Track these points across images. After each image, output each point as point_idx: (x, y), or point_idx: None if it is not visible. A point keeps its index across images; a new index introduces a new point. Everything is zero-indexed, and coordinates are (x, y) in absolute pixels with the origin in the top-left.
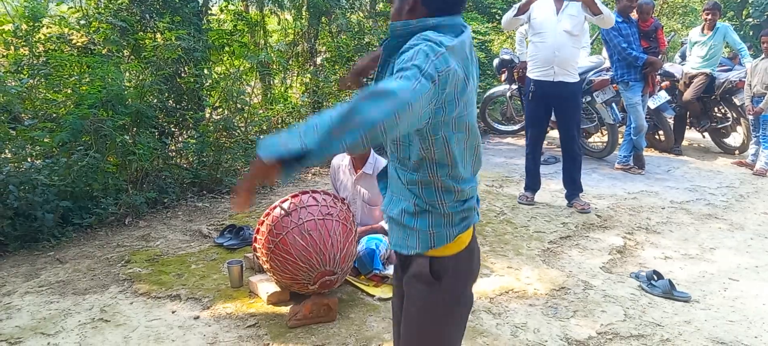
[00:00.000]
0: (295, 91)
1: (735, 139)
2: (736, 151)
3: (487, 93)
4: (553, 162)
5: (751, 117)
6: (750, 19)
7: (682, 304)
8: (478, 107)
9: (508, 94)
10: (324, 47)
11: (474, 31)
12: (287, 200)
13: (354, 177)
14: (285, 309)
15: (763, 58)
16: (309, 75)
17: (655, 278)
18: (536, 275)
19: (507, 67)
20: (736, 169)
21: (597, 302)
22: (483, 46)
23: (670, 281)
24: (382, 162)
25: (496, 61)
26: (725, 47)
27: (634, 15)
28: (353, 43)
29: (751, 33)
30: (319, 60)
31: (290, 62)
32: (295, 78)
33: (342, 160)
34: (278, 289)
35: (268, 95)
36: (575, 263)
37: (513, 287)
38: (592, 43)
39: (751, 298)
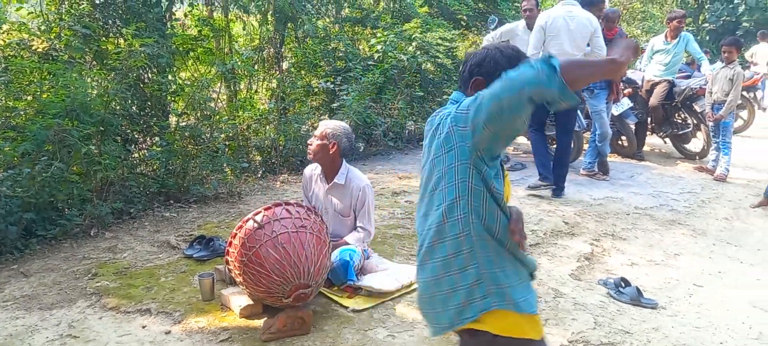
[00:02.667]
0: (261, 97)
1: (695, 144)
2: (697, 157)
3: None
4: (519, 168)
5: (711, 123)
6: (707, 25)
7: (650, 311)
8: None
9: None
10: (290, 53)
11: (440, 38)
12: (260, 212)
13: (326, 187)
14: (258, 322)
15: (723, 67)
16: (275, 81)
17: (623, 285)
18: None
19: None
20: (697, 175)
21: (567, 310)
22: (449, 53)
23: (637, 288)
24: (355, 173)
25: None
26: (685, 54)
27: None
28: (320, 48)
29: (707, 38)
30: (285, 66)
31: (256, 68)
32: (261, 83)
33: (314, 170)
34: (251, 302)
35: (234, 101)
36: (545, 270)
37: None
38: None
39: (715, 304)
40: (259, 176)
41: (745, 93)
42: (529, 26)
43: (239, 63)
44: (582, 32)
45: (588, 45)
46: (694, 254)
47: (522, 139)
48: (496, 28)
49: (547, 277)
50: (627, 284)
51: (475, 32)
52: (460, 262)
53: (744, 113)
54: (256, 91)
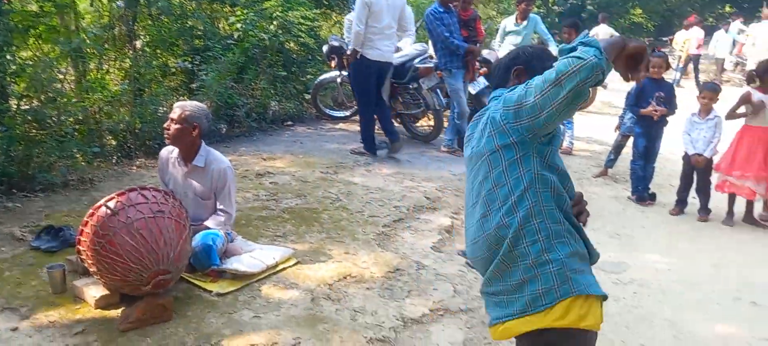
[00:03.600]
0: (113, 78)
1: None
2: None
3: (318, 79)
4: (383, 147)
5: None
6: (556, 7)
7: None
8: (308, 93)
9: (339, 80)
10: (144, 31)
11: (302, 17)
12: (113, 198)
13: (185, 170)
14: (115, 313)
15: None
16: (128, 60)
17: None
18: (372, 259)
19: (337, 53)
20: None
21: (429, 280)
22: (312, 32)
23: None
24: (214, 154)
25: (325, 48)
26: (533, 35)
27: (454, 5)
28: (176, 26)
29: (557, 20)
30: (139, 44)
31: (106, 46)
32: (112, 63)
33: (171, 153)
34: (107, 292)
35: (83, 82)
36: (408, 244)
37: (351, 272)
38: (416, 32)
39: None
40: (114, 161)
41: None
42: None
43: (87, 41)
44: (396, 5)
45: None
46: None
47: None
48: None
49: (411, 250)
50: None
51: (338, 11)
52: (536, 249)
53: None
54: (107, 72)
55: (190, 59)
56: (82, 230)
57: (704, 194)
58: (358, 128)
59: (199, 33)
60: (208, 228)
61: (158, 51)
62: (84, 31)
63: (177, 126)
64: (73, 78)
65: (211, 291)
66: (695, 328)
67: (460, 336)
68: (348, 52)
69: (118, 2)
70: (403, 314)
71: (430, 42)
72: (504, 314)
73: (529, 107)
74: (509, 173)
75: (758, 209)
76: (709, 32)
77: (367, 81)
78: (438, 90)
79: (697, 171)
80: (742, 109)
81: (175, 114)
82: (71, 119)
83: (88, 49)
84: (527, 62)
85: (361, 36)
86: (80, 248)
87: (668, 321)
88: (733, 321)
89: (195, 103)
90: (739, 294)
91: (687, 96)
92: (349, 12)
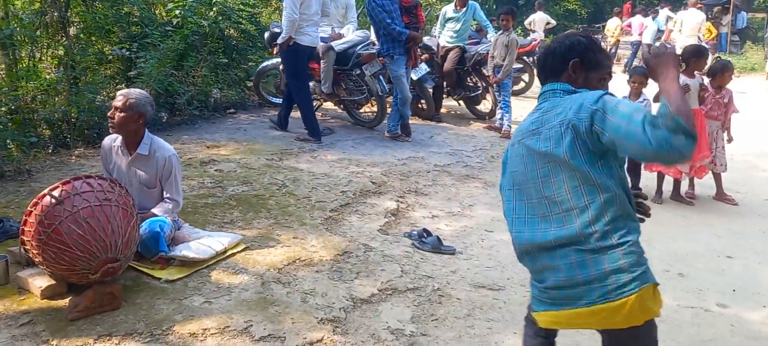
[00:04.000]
0: (47, 66)
1: (486, 106)
2: (487, 117)
3: (260, 66)
4: (328, 133)
5: (495, 86)
6: None
7: (449, 256)
8: (250, 81)
9: (281, 67)
10: (78, 17)
11: (243, 3)
12: (58, 187)
13: (129, 159)
14: (63, 302)
15: (501, 33)
16: (62, 48)
17: (425, 235)
18: (321, 243)
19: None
20: (487, 133)
21: (377, 262)
22: (253, 19)
23: (438, 237)
24: (159, 142)
25: (267, 35)
26: (473, 21)
27: None
28: (111, 12)
29: (494, 6)
30: (73, 31)
31: (39, 33)
32: (45, 51)
33: (114, 142)
34: (53, 282)
35: (15, 71)
36: (355, 228)
37: (300, 256)
38: (358, 18)
39: (503, 246)
40: (50, 151)
41: (525, 57)
42: None
43: (18, 28)
44: None
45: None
46: (485, 204)
47: (329, 105)
48: None
49: (358, 233)
50: (429, 234)
51: None
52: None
53: (526, 76)
54: (39, 60)
55: (127, 46)
56: (26, 220)
57: (635, 174)
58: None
59: (136, 19)
60: (156, 215)
61: (93, 38)
62: (15, 18)
63: (122, 114)
64: (3, 66)
65: (159, 278)
66: None
67: (408, 313)
68: (279, 41)
69: None
70: (352, 294)
71: (371, 29)
72: (582, 299)
73: (611, 133)
74: (593, 176)
75: (685, 187)
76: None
77: (301, 67)
78: (381, 76)
79: None
80: None
81: (119, 102)
82: (4, 109)
83: (17, 37)
84: (583, 54)
85: (296, 23)
86: (24, 238)
87: None
88: (663, 291)
89: (139, 90)
90: (667, 266)
91: (619, 81)
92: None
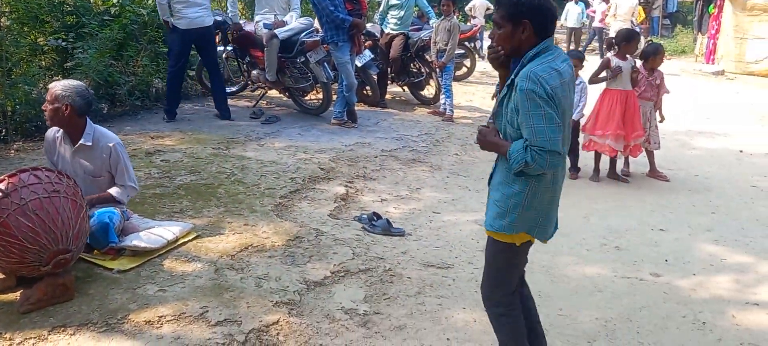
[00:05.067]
0: None
1: (429, 91)
2: (431, 102)
3: None
4: (274, 121)
5: (438, 71)
6: None
7: (399, 238)
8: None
9: (224, 55)
10: (8, 7)
11: None
12: (3, 180)
13: (72, 149)
14: (13, 296)
15: (443, 19)
16: None
17: (375, 218)
18: (272, 229)
19: (221, 28)
20: (431, 118)
21: (328, 245)
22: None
23: (387, 220)
24: (101, 131)
25: None
26: (415, 8)
27: None
28: (44, 1)
29: None
30: (4, 21)
31: None
32: None
33: (56, 133)
34: (2, 276)
35: None
36: (306, 213)
37: (252, 242)
38: (300, 5)
39: (450, 226)
40: None
41: (467, 43)
42: None
43: None
44: None
45: None
46: (432, 187)
47: (274, 93)
48: None
49: (309, 219)
50: (378, 217)
51: None
52: None
53: (467, 62)
54: None
55: (64, 36)
56: None
57: (573, 153)
58: (247, 104)
59: (71, 9)
60: (112, 197)
61: (26, 29)
62: None
63: (50, 107)
64: None
65: (111, 269)
66: (567, 271)
67: (361, 293)
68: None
69: None
70: (306, 277)
71: (315, 16)
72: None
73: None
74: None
75: (620, 165)
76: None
77: (180, 50)
78: (325, 63)
79: None
80: (603, 74)
81: (48, 96)
82: None
83: None
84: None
85: (165, 7)
86: None
87: (545, 267)
88: (600, 263)
89: (66, 81)
90: (604, 240)
91: None
92: None
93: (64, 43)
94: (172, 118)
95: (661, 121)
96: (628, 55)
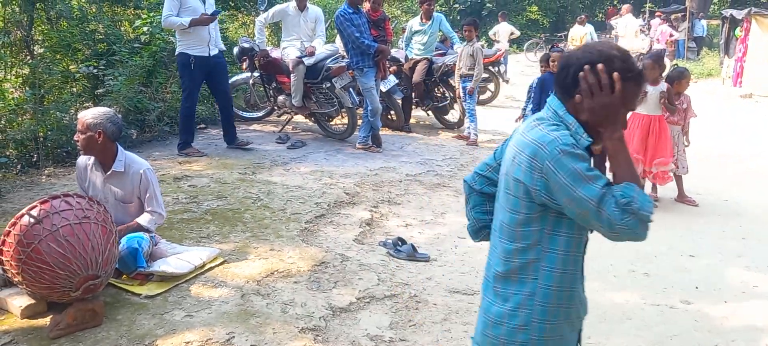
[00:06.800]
0: (12, 86)
1: (453, 115)
2: (455, 126)
3: (230, 81)
4: (300, 146)
5: (462, 95)
6: (457, 6)
7: (424, 264)
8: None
9: (251, 81)
10: (42, 36)
11: None
12: (36, 206)
13: (104, 176)
14: (44, 321)
15: (466, 44)
16: (27, 67)
17: (400, 243)
18: (298, 254)
19: (247, 55)
20: (456, 142)
21: (354, 271)
22: (220, 34)
23: (412, 245)
24: (132, 158)
25: (236, 50)
26: (439, 33)
27: (364, 7)
28: (77, 30)
29: (458, 17)
30: (37, 50)
31: (5, 53)
32: (9, 70)
33: (88, 160)
34: (33, 301)
35: None
36: (331, 238)
37: (278, 268)
38: (326, 31)
39: (476, 251)
40: (16, 171)
41: (491, 68)
42: (300, 7)
43: None
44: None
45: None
46: (457, 212)
47: (300, 119)
48: (266, 9)
49: (334, 244)
50: (403, 242)
51: (245, 13)
52: None
53: (491, 86)
54: (4, 79)
55: (95, 64)
56: (4, 241)
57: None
58: (273, 129)
59: (102, 37)
60: (139, 226)
61: (59, 56)
62: None
63: (83, 136)
64: None
65: (139, 294)
66: (595, 297)
67: (386, 320)
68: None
69: None
70: (331, 303)
71: (338, 41)
72: None
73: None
74: None
75: (648, 190)
76: (599, 28)
77: (190, 75)
78: (351, 89)
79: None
80: None
81: (79, 125)
82: None
83: None
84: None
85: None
86: (2, 258)
87: None
88: (629, 290)
89: (95, 109)
90: (633, 266)
91: None
92: (257, 13)
93: (95, 70)
94: (186, 147)
95: (686, 146)
96: (659, 80)
